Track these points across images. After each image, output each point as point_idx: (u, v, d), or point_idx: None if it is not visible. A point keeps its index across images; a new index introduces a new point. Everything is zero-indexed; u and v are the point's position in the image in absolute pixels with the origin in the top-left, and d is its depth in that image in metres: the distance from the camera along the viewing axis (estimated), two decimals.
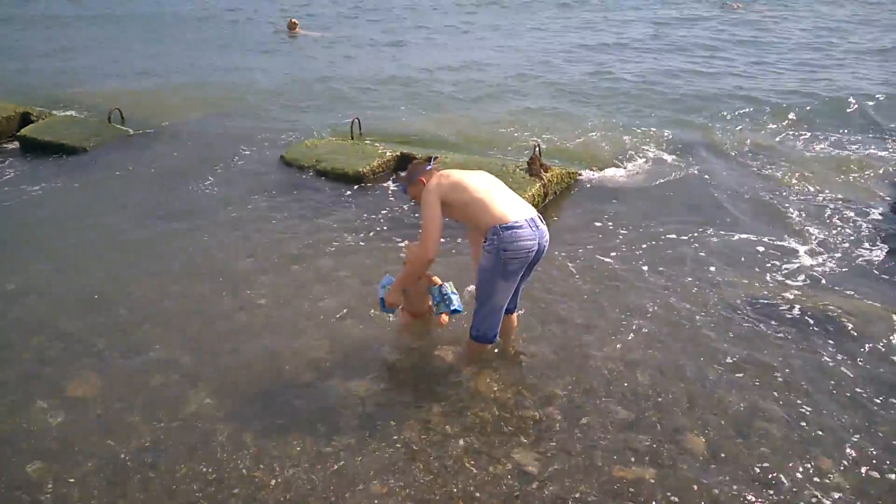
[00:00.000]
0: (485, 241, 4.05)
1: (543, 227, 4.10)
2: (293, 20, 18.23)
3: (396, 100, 11.48)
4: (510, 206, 4.07)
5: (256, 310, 5.17)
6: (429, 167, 4.28)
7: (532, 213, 4.11)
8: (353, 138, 8.86)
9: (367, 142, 8.72)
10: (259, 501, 3.46)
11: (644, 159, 8.41)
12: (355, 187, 7.54)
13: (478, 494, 3.51)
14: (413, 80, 12.77)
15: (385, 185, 7.67)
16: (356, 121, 8.95)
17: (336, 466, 3.67)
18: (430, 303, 4.72)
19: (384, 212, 6.93)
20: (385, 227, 6.57)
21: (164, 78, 12.83)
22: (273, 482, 3.57)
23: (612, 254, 6.02)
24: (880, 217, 6.76)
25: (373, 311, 4.99)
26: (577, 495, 3.49)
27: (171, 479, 3.59)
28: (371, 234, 6.45)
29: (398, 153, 8.19)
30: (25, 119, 9.57)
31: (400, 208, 7.01)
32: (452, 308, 4.52)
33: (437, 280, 4.66)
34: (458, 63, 14.19)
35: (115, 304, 5.23)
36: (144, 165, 8.29)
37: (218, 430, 3.94)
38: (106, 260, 6.00)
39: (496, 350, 4.60)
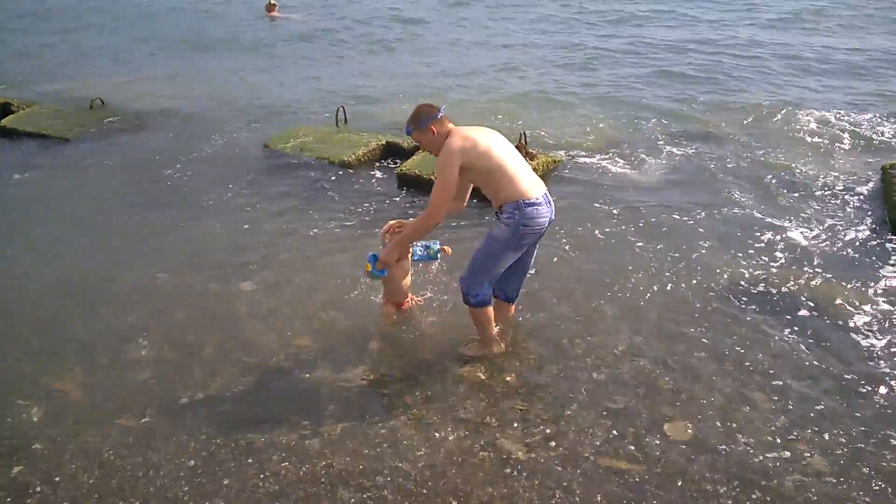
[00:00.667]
0: (501, 213, 4.06)
1: (552, 202, 4.18)
2: (271, 2, 17.71)
3: (381, 89, 11.38)
4: (531, 180, 4.10)
5: (242, 299, 5.16)
6: (440, 114, 4.06)
7: (544, 187, 4.17)
8: (338, 126, 8.80)
9: (353, 131, 8.66)
10: (247, 494, 3.47)
11: (627, 145, 8.41)
12: (340, 174, 7.50)
13: (462, 482, 3.53)
14: (400, 70, 12.67)
15: (372, 172, 7.64)
16: (341, 109, 8.88)
17: (323, 457, 3.68)
18: (410, 260, 4.70)
19: (370, 201, 6.90)
20: (371, 216, 6.55)
21: (144, 67, 12.65)
22: (262, 475, 3.58)
23: (598, 239, 6.04)
24: (867, 196, 6.79)
25: (358, 289, 5.04)
26: (564, 484, 3.52)
27: (157, 475, 3.59)
28: (357, 222, 6.43)
29: (384, 141, 8.15)
30: (6, 109, 9.45)
31: (387, 197, 6.99)
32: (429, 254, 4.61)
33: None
34: (444, 52, 14.09)
35: (99, 296, 5.21)
36: (128, 154, 8.21)
37: (205, 423, 3.95)
38: (90, 250, 5.96)
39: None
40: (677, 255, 5.78)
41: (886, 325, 4.80)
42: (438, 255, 4.66)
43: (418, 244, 4.55)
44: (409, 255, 4.61)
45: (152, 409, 4.05)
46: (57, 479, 3.57)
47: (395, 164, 7.69)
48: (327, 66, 12.79)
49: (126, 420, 3.97)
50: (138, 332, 4.78)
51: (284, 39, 15.25)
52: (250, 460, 3.67)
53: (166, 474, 3.59)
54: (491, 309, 4.40)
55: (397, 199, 6.98)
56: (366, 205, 6.81)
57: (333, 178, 7.44)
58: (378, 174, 7.62)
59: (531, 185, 4.06)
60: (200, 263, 5.66)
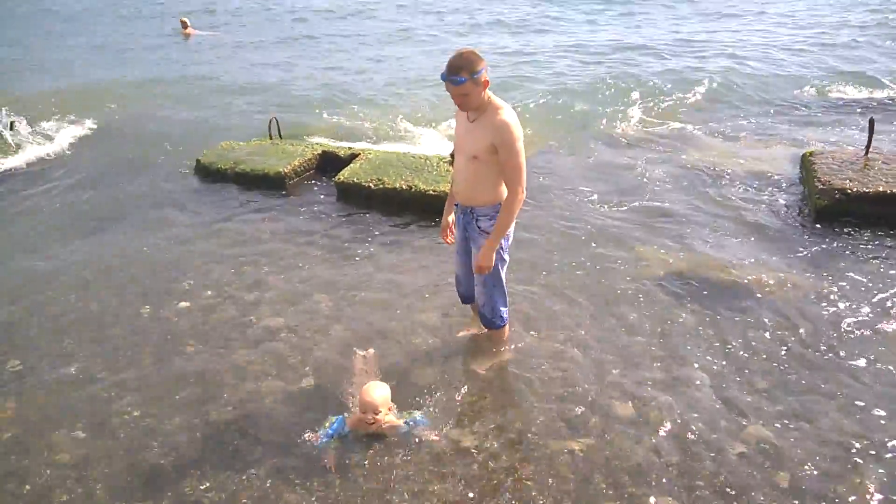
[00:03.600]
0: (483, 217, 3.99)
1: None
2: (183, 19, 17.62)
3: (310, 98, 11.36)
4: None
5: (179, 318, 5.02)
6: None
7: None
8: (271, 138, 8.69)
9: (288, 142, 8.57)
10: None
11: (557, 143, 8.60)
12: (276, 186, 7.40)
13: (412, 474, 3.53)
14: (327, 78, 12.66)
15: (308, 183, 7.57)
16: (274, 120, 8.77)
17: (257, 472, 3.61)
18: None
19: (307, 212, 6.84)
20: (308, 228, 6.48)
21: (59, 79, 12.23)
22: (203, 485, 3.48)
23: (534, 232, 6.13)
24: (785, 189, 7.11)
25: (298, 303, 4.93)
26: (514, 468, 3.54)
27: (102, 495, 3.44)
28: (294, 234, 6.35)
29: (320, 151, 8.09)
30: None
31: (324, 206, 6.93)
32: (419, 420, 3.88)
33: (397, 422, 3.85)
34: (370, 58, 14.18)
35: (28, 319, 4.99)
36: (50, 173, 7.90)
37: (147, 442, 3.82)
38: (16, 272, 5.70)
39: (434, 337, 4.67)
40: (611, 241, 5.92)
41: (814, 305, 5.01)
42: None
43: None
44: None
45: (89, 431, 3.90)
46: None
47: (332, 173, 7.64)
48: (253, 77, 12.66)
49: (62, 443, 3.81)
50: (71, 354, 4.60)
51: (202, 55, 15.06)
52: (193, 471, 3.57)
53: (108, 494, 3.45)
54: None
55: (334, 207, 6.93)
56: (303, 217, 6.73)
57: (269, 191, 7.34)
58: (315, 184, 7.56)
59: None
60: (133, 283, 5.50)
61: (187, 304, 5.19)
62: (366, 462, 3.62)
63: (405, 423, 3.79)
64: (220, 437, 3.85)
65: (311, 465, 3.60)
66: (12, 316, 5.09)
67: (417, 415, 3.88)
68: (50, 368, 4.48)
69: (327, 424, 3.79)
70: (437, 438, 3.74)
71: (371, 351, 4.52)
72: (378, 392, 3.75)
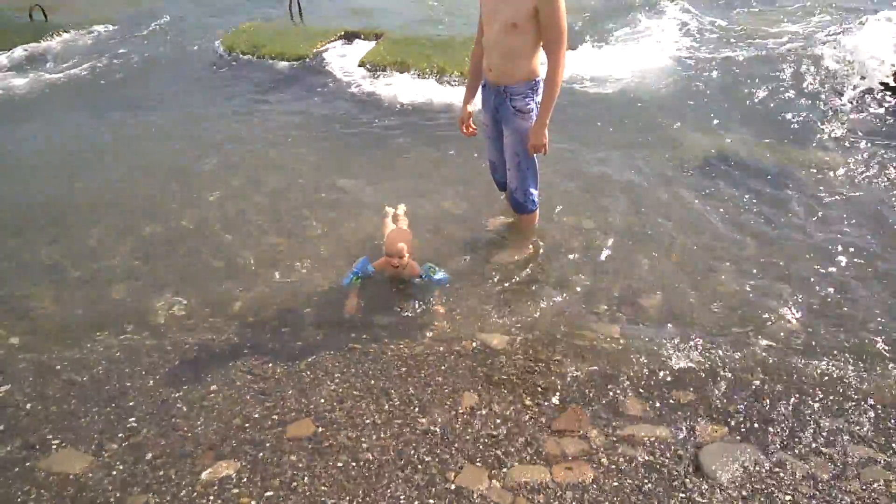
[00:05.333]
0: (520, 95, 3.82)
1: None
2: None
3: None
4: None
5: (208, 207, 5.06)
6: None
7: None
8: (293, 20, 8.38)
9: (309, 24, 8.25)
10: (236, 394, 3.51)
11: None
12: (298, 69, 7.21)
13: (442, 363, 3.60)
14: None
15: (330, 64, 7.35)
16: (295, 1, 8.41)
17: (305, 369, 3.68)
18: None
19: (330, 94, 6.69)
20: (333, 114, 6.36)
21: None
22: (248, 375, 3.62)
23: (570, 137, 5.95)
24: None
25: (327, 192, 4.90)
26: (537, 360, 3.61)
27: (142, 392, 3.60)
28: (319, 120, 6.25)
29: (342, 31, 7.80)
30: None
31: (346, 95, 6.76)
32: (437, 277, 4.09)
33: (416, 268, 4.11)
34: None
35: (64, 212, 5.07)
36: (78, 65, 7.80)
37: (186, 338, 3.93)
38: (48, 166, 5.76)
39: (462, 226, 4.66)
40: (647, 129, 5.72)
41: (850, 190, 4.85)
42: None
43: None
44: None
45: (130, 327, 4.02)
46: (40, 399, 3.59)
47: (355, 54, 7.39)
48: None
49: (104, 338, 3.95)
50: (107, 248, 4.68)
51: None
52: (238, 362, 3.70)
53: (149, 390, 3.61)
54: None
55: (357, 90, 6.76)
56: (324, 100, 6.60)
57: (291, 74, 7.16)
58: (337, 66, 7.34)
59: None
60: (164, 172, 5.51)
61: (212, 191, 5.22)
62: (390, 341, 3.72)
63: (422, 275, 4.05)
64: (258, 329, 3.97)
65: (355, 358, 3.71)
66: (50, 207, 5.18)
67: (439, 273, 4.08)
68: (86, 261, 4.59)
69: (354, 265, 4.07)
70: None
71: (403, 207, 4.70)
72: (403, 237, 3.99)
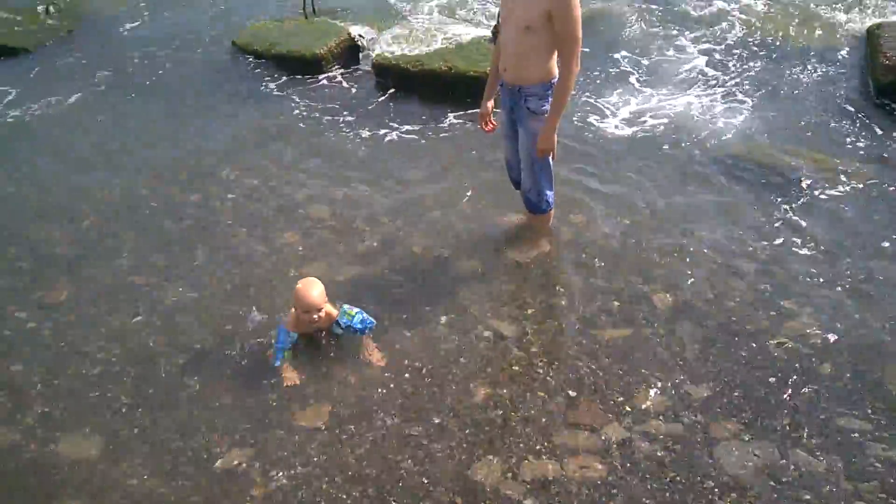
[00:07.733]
0: (533, 96, 3.81)
1: None
2: None
3: None
4: None
5: (225, 205, 5.08)
6: None
7: None
8: (306, 17, 8.39)
9: (323, 20, 8.26)
10: (254, 384, 3.53)
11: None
12: (312, 68, 7.21)
13: (455, 357, 3.61)
14: None
15: (345, 63, 7.37)
16: None
17: (321, 356, 3.71)
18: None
19: (345, 95, 6.71)
20: (349, 112, 6.36)
21: None
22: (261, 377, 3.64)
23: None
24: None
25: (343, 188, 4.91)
26: (550, 354, 3.61)
27: (162, 378, 3.63)
28: (334, 118, 6.26)
29: (357, 32, 7.79)
30: None
31: (360, 94, 6.78)
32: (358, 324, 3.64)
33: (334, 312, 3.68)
34: None
35: (80, 210, 5.10)
36: (94, 63, 7.81)
37: (197, 325, 3.96)
38: (66, 165, 5.79)
39: (474, 225, 4.66)
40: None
41: (871, 192, 4.82)
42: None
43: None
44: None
45: (145, 315, 4.05)
46: (56, 378, 3.62)
47: (370, 52, 7.40)
48: None
49: (120, 327, 3.98)
50: (123, 244, 4.70)
51: None
52: (254, 351, 3.72)
53: (169, 378, 3.64)
54: None
55: (371, 89, 6.79)
56: (338, 98, 6.62)
57: (306, 72, 7.17)
58: (351, 65, 7.36)
59: None
60: (180, 172, 5.52)
61: (230, 190, 5.24)
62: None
63: (340, 322, 3.61)
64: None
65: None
66: (67, 205, 5.23)
67: (358, 315, 3.61)
68: (102, 257, 4.62)
69: (273, 341, 3.62)
70: (379, 356, 3.60)
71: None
72: (315, 286, 3.51)
